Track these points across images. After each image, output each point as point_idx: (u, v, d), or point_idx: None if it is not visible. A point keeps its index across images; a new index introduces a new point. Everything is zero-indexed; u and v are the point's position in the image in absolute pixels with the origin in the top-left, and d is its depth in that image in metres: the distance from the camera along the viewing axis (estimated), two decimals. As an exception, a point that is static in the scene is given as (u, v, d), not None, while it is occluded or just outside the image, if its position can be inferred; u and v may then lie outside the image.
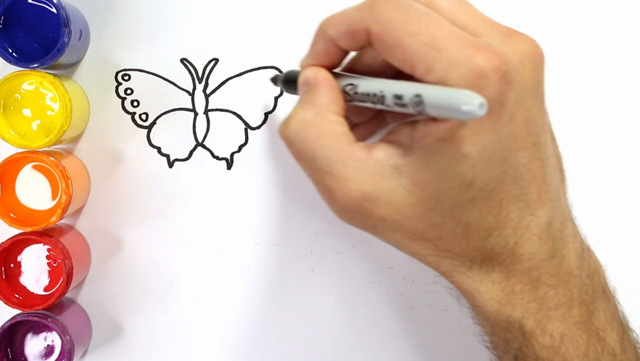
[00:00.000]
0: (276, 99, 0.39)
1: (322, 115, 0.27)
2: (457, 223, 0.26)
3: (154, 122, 0.40)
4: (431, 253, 0.27)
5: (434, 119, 0.24)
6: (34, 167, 0.37)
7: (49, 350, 0.38)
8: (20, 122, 0.37)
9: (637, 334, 0.29)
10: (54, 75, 0.36)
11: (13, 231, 0.36)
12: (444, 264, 0.28)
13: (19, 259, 0.37)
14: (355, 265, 0.40)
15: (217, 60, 0.39)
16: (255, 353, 0.40)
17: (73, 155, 0.39)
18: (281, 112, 0.39)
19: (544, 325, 0.26)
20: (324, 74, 0.29)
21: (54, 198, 0.37)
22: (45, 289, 0.37)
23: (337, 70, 0.30)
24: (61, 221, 0.40)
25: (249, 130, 0.40)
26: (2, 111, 0.37)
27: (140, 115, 0.40)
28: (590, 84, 0.39)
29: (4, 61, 0.35)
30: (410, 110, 0.24)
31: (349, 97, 0.28)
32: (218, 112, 0.40)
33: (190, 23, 0.39)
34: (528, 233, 0.26)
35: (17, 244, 0.37)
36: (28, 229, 0.36)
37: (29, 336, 0.38)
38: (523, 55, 0.25)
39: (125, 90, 0.40)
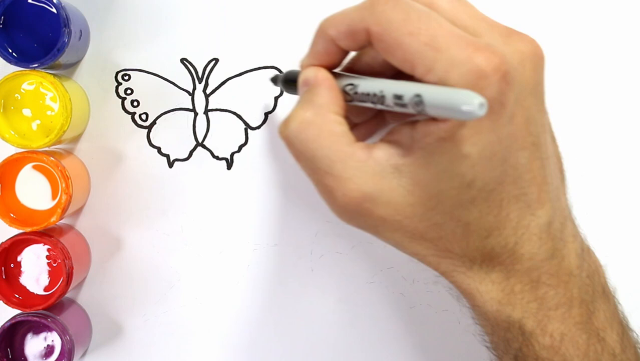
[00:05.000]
0: (276, 99, 0.39)
1: (322, 115, 0.27)
2: (457, 223, 0.26)
3: (154, 122, 0.40)
4: (431, 253, 0.27)
5: (434, 119, 0.24)
6: (34, 167, 0.37)
7: (49, 350, 0.38)
8: (20, 122, 0.37)
9: (637, 334, 0.29)
10: (54, 75, 0.36)
11: (13, 231, 0.36)
12: (444, 264, 0.28)
13: (19, 259, 0.37)
14: (355, 265, 0.40)
15: (217, 60, 0.39)
16: (255, 353, 0.40)
17: (73, 155, 0.39)
18: (281, 112, 0.39)
19: (544, 325, 0.26)
20: (324, 74, 0.29)
21: (54, 198, 0.37)
22: (45, 289, 0.37)
23: (337, 70, 0.30)
24: (61, 221, 0.40)
25: (249, 130, 0.40)
26: (2, 111, 0.37)
27: (140, 115, 0.40)
28: (590, 84, 0.39)
29: (4, 61, 0.35)
30: (410, 110, 0.24)
31: (349, 97, 0.28)
32: (218, 112, 0.40)
33: (190, 23, 0.39)
34: (528, 233, 0.26)
35: (17, 244, 0.37)
36: (28, 229, 0.36)
37: (29, 336, 0.38)
38: (523, 55, 0.25)
39: (125, 90, 0.40)
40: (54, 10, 0.36)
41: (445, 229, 0.26)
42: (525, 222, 0.26)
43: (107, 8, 0.39)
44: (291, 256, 0.40)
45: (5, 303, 0.36)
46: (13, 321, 0.36)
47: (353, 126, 0.31)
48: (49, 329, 0.38)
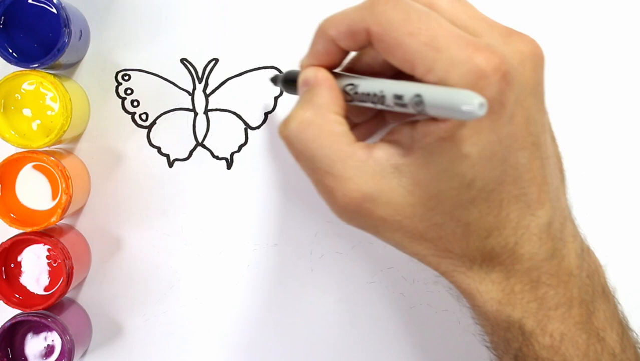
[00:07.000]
0: (276, 99, 0.39)
1: (322, 115, 0.27)
2: (457, 223, 0.26)
3: (154, 122, 0.40)
4: (431, 253, 0.27)
5: (434, 119, 0.24)
6: (34, 167, 0.37)
7: (49, 350, 0.38)
8: (20, 122, 0.37)
9: (637, 334, 0.29)
10: (54, 75, 0.36)
11: (13, 231, 0.36)
12: (444, 264, 0.28)
13: (19, 259, 0.37)
14: (355, 265, 0.40)
15: (217, 60, 0.39)
16: (255, 353, 0.40)
17: (73, 155, 0.39)
18: (281, 112, 0.39)
19: (544, 325, 0.26)
20: (324, 74, 0.29)
21: (54, 198, 0.37)
22: (45, 289, 0.37)
23: (337, 70, 0.30)
24: (61, 221, 0.40)
25: (249, 130, 0.40)
26: (2, 111, 0.37)
27: (140, 115, 0.40)
28: (590, 84, 0.39)
29: (4, 61, 0.35)
30: (410, 110, 0.24)
31: (349, 97, 0.28)
32: (218, 112, 0.40)
33: (190, 23, 0.39)
34: (528, 233, 0.26)
35: (17, 244, 0.37)
36: (28, 229, 0.36)
37: (29, 336, 0.38)
38: (523, 55, 0.25)
39: (125, 90, 0.40)
40: (54, 10, 0.36)
41: (445, 229, 0.26)
42: (525, 222, 0.26)
43: (107, 8, 0.39)
44: (291, 256, 0.40)
45: (5, 303, 0.36)
46: (13, 321, 0.36)
47: (353, 126, 0.31)
48: (49, 329, 0.38)
